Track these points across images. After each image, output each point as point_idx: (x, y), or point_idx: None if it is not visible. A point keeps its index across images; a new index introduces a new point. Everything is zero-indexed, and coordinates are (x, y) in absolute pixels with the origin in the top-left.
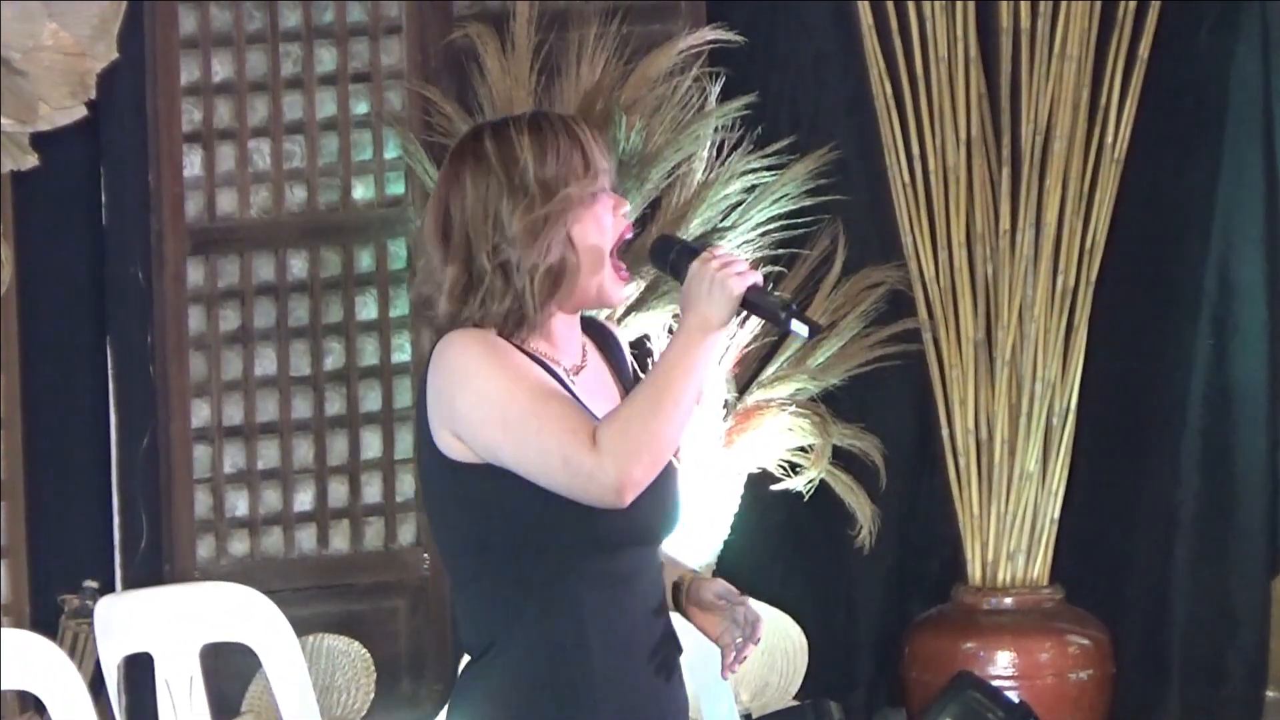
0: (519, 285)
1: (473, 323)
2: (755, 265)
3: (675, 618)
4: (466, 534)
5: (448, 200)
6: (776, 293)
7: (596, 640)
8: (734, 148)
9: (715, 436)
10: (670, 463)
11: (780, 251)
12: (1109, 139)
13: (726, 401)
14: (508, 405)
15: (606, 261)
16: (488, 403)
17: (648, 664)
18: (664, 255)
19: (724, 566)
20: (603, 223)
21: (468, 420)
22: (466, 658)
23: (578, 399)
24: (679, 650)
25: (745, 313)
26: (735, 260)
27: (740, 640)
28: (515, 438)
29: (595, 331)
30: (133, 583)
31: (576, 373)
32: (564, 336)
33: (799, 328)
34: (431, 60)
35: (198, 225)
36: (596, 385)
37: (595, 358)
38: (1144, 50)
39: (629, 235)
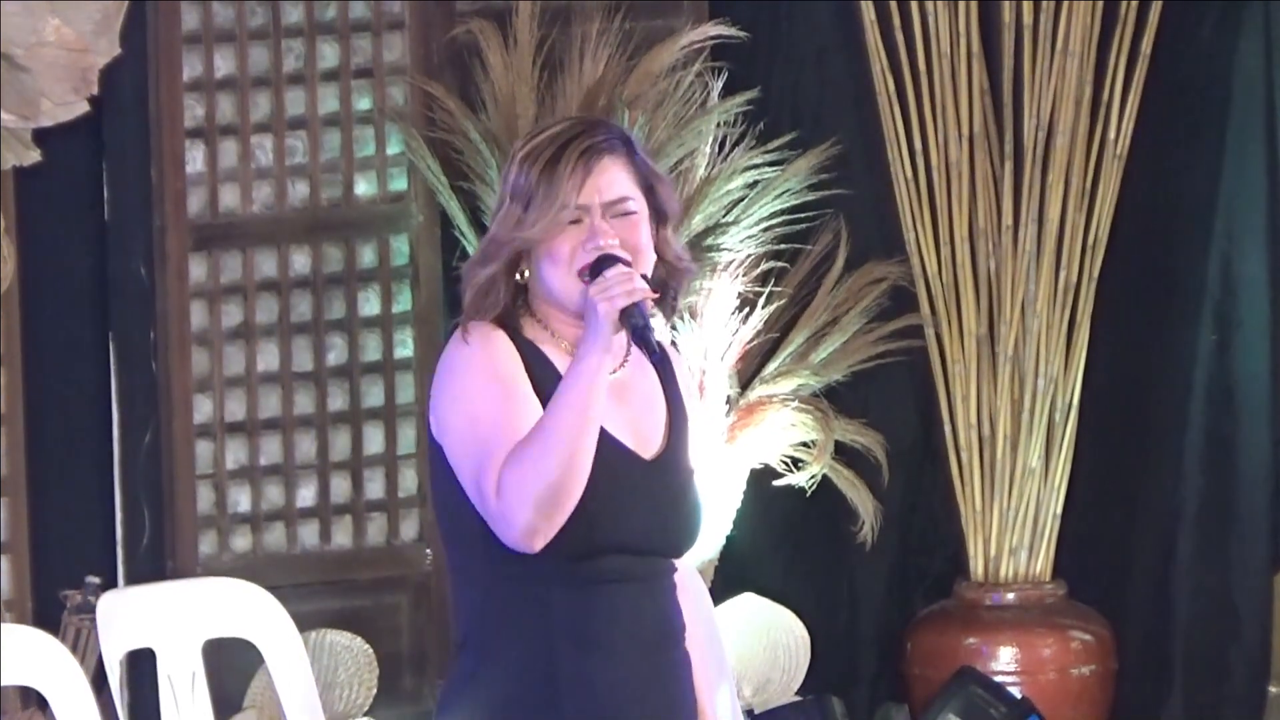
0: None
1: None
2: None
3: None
4: (455, 519)
5: None
6: (641, 316)
7: (564, 641)
8: (736, 143)
9: (718, 432)
10: (684, 474)
11: (783, 247)
12: (1111, 135)
13: (729, 397)
14: (464, 426)
15: (573, 290)
16: (453, 413)
17: (633, 667)
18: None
19: (726, 562)
20: (558, 258)
21: (438, 420)
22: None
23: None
24: (680, 653)
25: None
26: (610, 283)
27: None
28: (457, 457)
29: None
30: (135, 578)
31: (610, 372)
32: (576, 335)
33: (643, 350)
34: (434, 56)
35: (200, 221)
36: (631, 393)
37: (641, 366)
38: (1146, 46)
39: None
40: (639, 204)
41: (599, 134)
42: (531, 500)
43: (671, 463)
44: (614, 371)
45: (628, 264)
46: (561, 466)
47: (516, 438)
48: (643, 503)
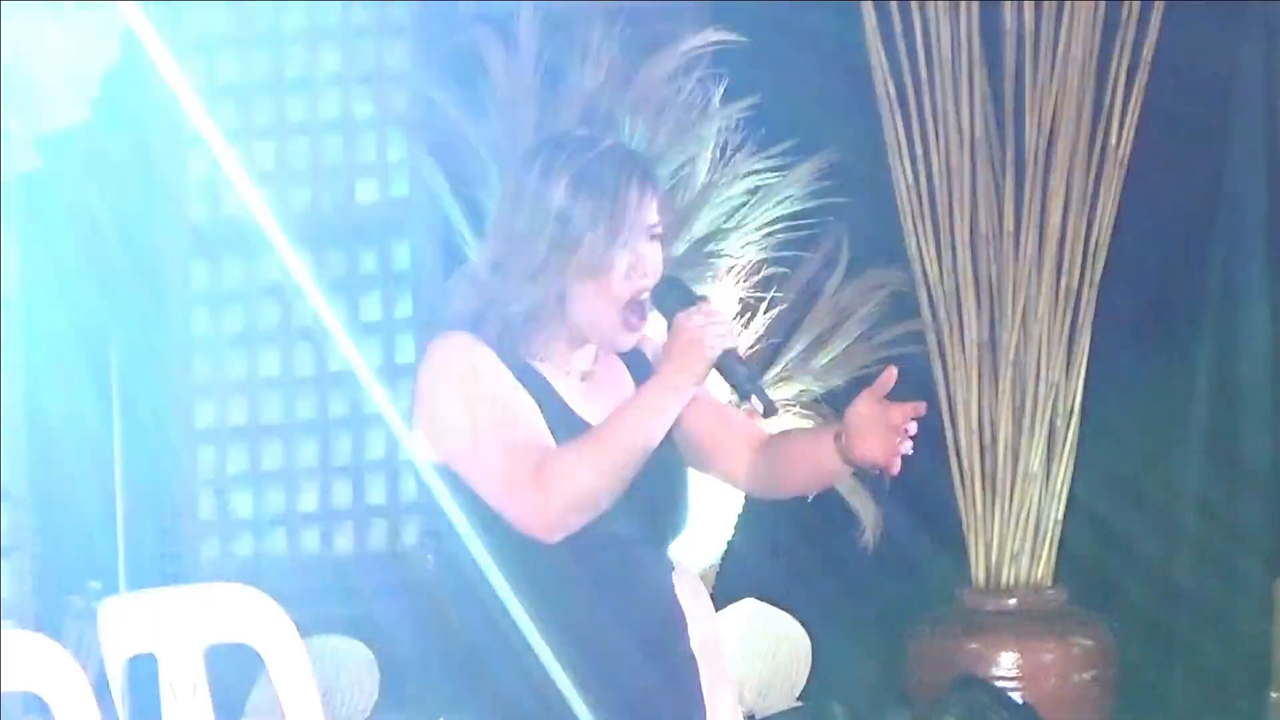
0: (495, 308)
1: (464, 316)
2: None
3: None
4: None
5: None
6: (745, 364)
7: (566, 640)
8: (737, 149)
9: None
10: (669, 463)
11: (784, 253)
12: (1112, 140)
13: (731, 404)
14: (467, 424)
15: (607, 321)
16: (452, 415)
17: (636, 666)
18: (662, 298)
19: (728, 568)
20: (604, 286)
21: (433, 426)
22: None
23: (567, 406)
24: (684, 650)
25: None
26: (717, 321)
27: (899, 442)
28: (469, 455)
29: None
30: (137, 584)
31: (583, 378)
32: (570, 352)
33: (756, 405)
34: (435, 62)
35: (202, 226)
36: (606, 391)
37: (613, 365)
38: (1147, 52)
39: (641, 295)
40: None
41: (638, 156)
42: (574, 500)
43: (653, 453)
44: (585, 378)
45: (698, 298)
46: (614, 476)
47: (540, 427)
48: (630, 490)
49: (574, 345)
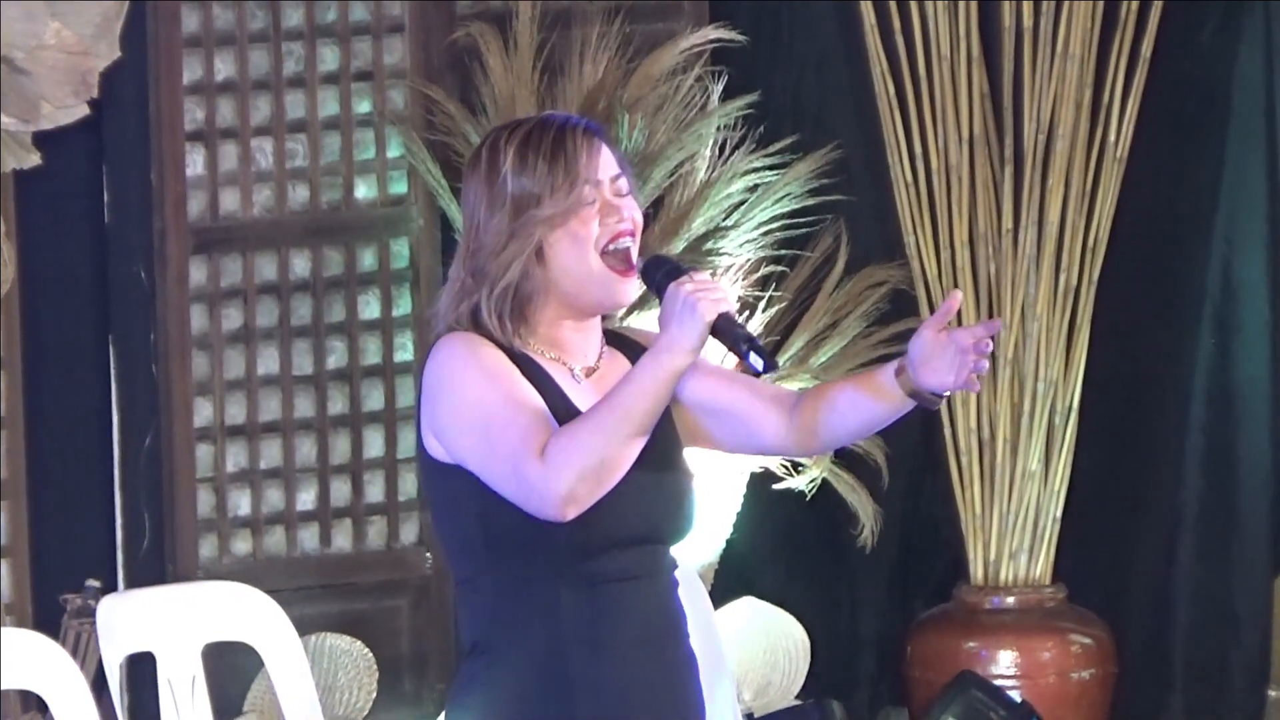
0: (482, 295)
1: (455, 322)
2: (758, 292)
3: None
4: (455, 533)
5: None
6: (742, 326)
7: (573, 642)
8: (736, 147)
9: None
10: (673, 465)
11: (783, 251)
12: (1111, 138)
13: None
14: (475, 412)
15: (594, 270)
16: (459, 408)
17: (641, 666)
18: (652, 275)
19: (726, 566)
20: (581, 236)
21: (442, 424)
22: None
23: (571, 403)
24: (686, 650)
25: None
26: (711, 287)
27: (976, 361)
28: (477, 444)
29: (620, 343)
30: (135, 582)
31: (588, 374)
32: (573, 340)
33: (755, 362)
34: (434, 59)
35: (200, 224)
36: (609, 384)
37: (617, 362)
38: (1146, 50)
39: (623, 241)
40: (629, 182)
41: (579, 117)
42: (579, 470)
43: (656, 449)
44: (589, 374)
45: (688, 268)
46: (620, 446)
47: (540, 409)
48: (633, 490)
49: (571, 325)
